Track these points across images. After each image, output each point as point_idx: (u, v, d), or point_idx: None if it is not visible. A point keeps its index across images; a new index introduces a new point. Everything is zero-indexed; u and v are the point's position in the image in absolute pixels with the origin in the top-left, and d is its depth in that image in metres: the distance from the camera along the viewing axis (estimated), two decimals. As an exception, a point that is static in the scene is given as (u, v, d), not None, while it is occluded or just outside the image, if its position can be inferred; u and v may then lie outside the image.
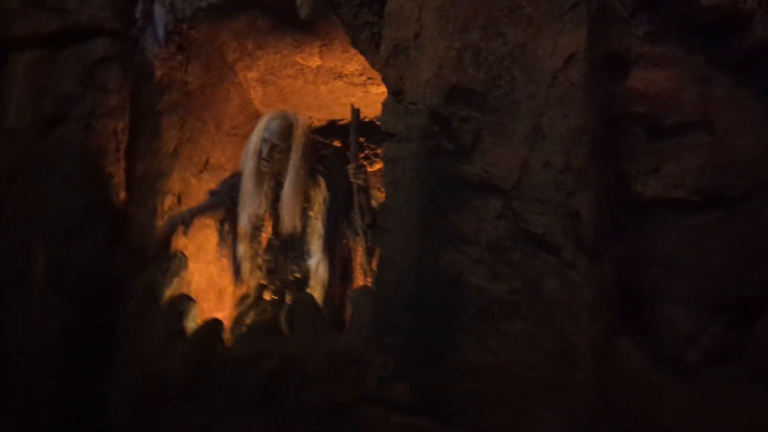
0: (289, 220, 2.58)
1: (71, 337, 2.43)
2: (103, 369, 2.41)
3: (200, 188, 3.02)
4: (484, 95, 1.89)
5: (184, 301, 2.40)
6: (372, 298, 2.01)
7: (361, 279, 2.75)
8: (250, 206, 2.65)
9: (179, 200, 2.88)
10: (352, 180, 2.55)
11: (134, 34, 2.70)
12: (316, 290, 2.56)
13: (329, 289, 2.57)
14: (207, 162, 3.04)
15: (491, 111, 1.87)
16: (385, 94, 3.15)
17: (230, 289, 3.28)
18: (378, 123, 2.38)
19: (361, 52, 2.30)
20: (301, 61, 3.03)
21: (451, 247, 1.86)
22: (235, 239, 2.74)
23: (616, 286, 1.84)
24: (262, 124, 2.68)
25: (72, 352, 2.42)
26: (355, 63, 2.98)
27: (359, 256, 2.66)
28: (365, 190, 2.60)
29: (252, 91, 3.25)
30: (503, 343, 1.74)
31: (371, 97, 3.19)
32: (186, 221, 2.57)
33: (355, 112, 2.57)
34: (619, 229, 1.87)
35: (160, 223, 2.78)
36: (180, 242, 2.89)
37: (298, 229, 2.62)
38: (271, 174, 2.63)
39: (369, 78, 3.03)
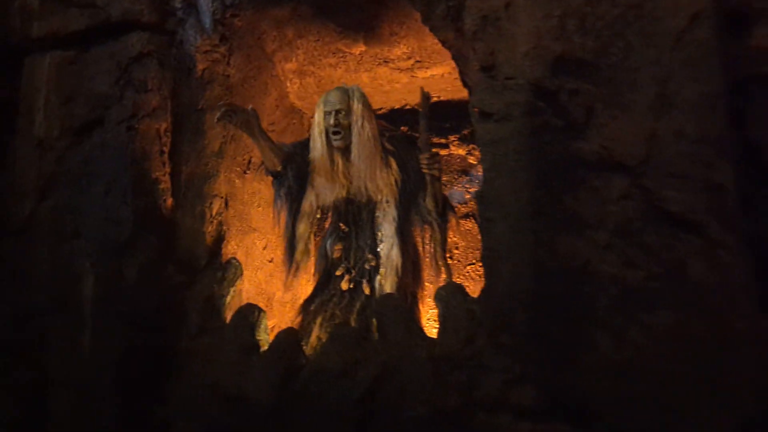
0: (371, 184, 2.41)
1: (128, 362, 2.21)
2: (164, 393, 2.21)
3: (245, 190, 2.82)
4: (594, 65, 1.71)
5: (255, 312, 2.19)
6: (477, 297, 1.83)
7: (428, 273, 2.58)
8: (324, 189, 2.49)
9: (226, 204, 2.68)
10: (425, 170, 2.36)
11: (171, 27, 2.49)
12: (388, 277, 2.39)
13: (402, 277, 2.39)
14: (250, 161, 2.84)
15: (605, 81, 1.70)
16: (434, 77, 3.00)
17: (278, 295, 3.10)
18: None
19: (433, 29, 2.11)
20: (343, 48, 2.84)
21: (570, 234, 1.68)
22: (296, 213, 2.56)
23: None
24: (319, 104, 2.52)
25: (130, 379, 2.20)
26: (402, 46, 2.80)
27: (428, 249, 2.48)
28: (438, 180, 2.42)
29: (288, 84, 3.06)
30: (648, 336, 1.56)
31: (417, 82, 3.00)
32: (231, 116, 2.39)
33: (426, 96, 2.38)
34: (748, 204, 1.70)
35: (210, 229, 2.57)
36: (229, 248, 2.70)
37: (380, 196, 2.44)
38: (344, 149, 2.45)
39: (417, 61, 2.85)
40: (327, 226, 2.68)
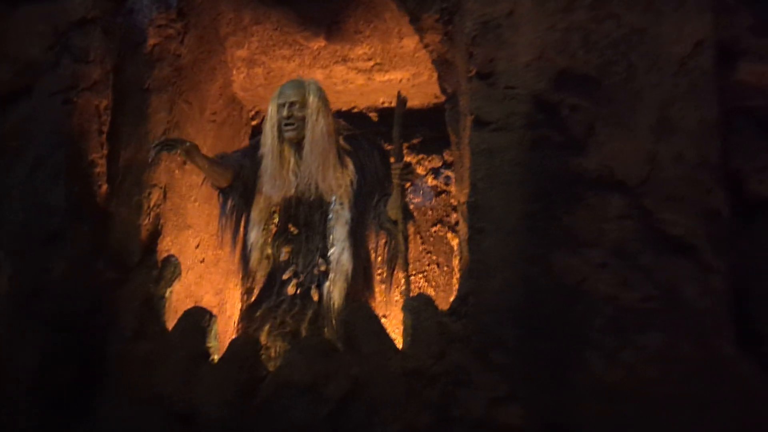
0: (323, 181, 2.27)
1: (49, 369, 1.92)
2: (92, 406, 1.94)
3: (183, 182, 2.58)
4: (597, 82, 1.70)
5: (206, 316, 1.98)
6: (452, 309, 1.76)
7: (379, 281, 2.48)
8: (272, 187, 2.30)
9: (165, 195, 2.43)
10: (396, 181, 2.25)
11: (121, -7, 2.22)
12: (337, 283, 2.27)
13: (352, 283, 2.27)
14: (190, 152, 2.60)
15: (606, 100, 1.69)
16: (391, 82, 2.92)
17: (207, 298, 2.87)
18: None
19: (420, 30, 2.04)
20: (301, 40, 2.69)
21: (566, 250, 1.65)
22: (246, 223, 2.37)
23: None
24: (275, 95, 2.39)
25: (51, 388, 1.91)
26: (365, 46, 2.70)
27: (382, 257, 2.38)
28: (405, 190, 2.32)
29: (235, 72, 2.86)
30: (639, 358, 1.56)
31: (373, 85, 2.91)
32: (171, 146, 2.18)
33: (402, 100, 2.28)
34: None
35: (146, 222, 2.32)
36: (164, 244, 2.45)
37: (333, 197, 2.31)
38: (296, 144, 2.30)
39: (377, 63, 2.76)
40: (275, 227, 2.51)
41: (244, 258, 2.43)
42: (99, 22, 2.15)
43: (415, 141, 3.12)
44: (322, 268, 2.33)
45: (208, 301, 2.89)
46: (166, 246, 2.46)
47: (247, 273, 2.42)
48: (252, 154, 2.43)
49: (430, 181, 3.05)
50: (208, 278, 2.85)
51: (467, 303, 1.85)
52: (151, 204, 2.34)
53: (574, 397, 1.59)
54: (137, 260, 2.28)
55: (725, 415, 1.51)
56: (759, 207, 1.75)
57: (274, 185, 2.40)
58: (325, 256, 2.35)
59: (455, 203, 3.13)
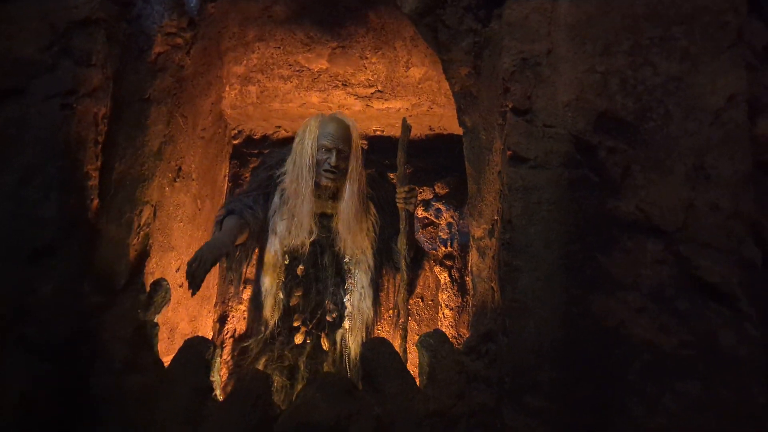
0: (353, 242, 2.13)
1: (33, 401, 1.72)
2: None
3: (172, 200, 2.43)
4: (634, 127, 1.72)
5: (209, 347, 1.83)
6: (502, 349, 1.71)
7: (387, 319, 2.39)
8: (291, 232, 2.13)
9: (155, 213, 2.27)
10: (401, 206, 2.19)
11: (127, -4, 2.08)
12: (356, 332, 2.14)
13: (371, 333, 2.17)
14: (180, 169, 2.46)
15: (643, 144, 1.71)
16: (389, 111, 2.88)
17: (181, 326, 2.70)
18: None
19: (447, 62, 2.00)
20: (302, 61, 2.62)
21: (603, 293, 1.64)
22: (260, 268, 2.20)
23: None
24: (312, 129, 2.19)
25: (35, 422, 1.71)
26: (368, 72, 2.65)
27: (392, 294, 2.30)
28: (413, 216, 2.26)
29: (227, 89, 2.73)
30: (680, 405, 1.55)
31: (370, 112, 2.86)
32: (230, 252, 1.97)
33: (407, 127, 2.23)
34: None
35: (135, 241, 2.15)
36: (151, 266, 2.28)
37: (351, 249, 2.17)
38: (329, 192, 2.17)
39: (378, 91, 2.71)
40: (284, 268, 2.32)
41: (256, 304, 2.24)
42: (103, 25, 2.00)
43: (408, 171, 3.07)
44: (334, 315, 2.19)
45: (182, 328, 2.72)
46: (152, 268, 2.29)
47: (259, 323, 2.22)
48: (265, 191, 2.26)
49: (420, 213, 3.00)
50: (184, 304, 2.68)
51: (494, 341, 1.81)
52: (142, 222, 2.18)
53: (613, 443, 1.56)
54: (124, 283, 2.10)
55: (761, 463, 1.52)
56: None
57: (296, 231, 2.22)
58: (337, 301, 2.21)
59: (444, 236, 3.10)
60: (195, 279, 1.87)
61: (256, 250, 2.31)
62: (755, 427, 1.54)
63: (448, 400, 1.79)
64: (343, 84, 2.69)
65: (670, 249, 1.65)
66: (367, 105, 2.79)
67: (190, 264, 1.91)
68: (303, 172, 2.15)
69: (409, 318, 3.08)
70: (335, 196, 2.20)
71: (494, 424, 1.67)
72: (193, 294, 1.92)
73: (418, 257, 2.27)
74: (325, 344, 2.15)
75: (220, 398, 1.82)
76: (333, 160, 2.15)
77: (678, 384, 1.57)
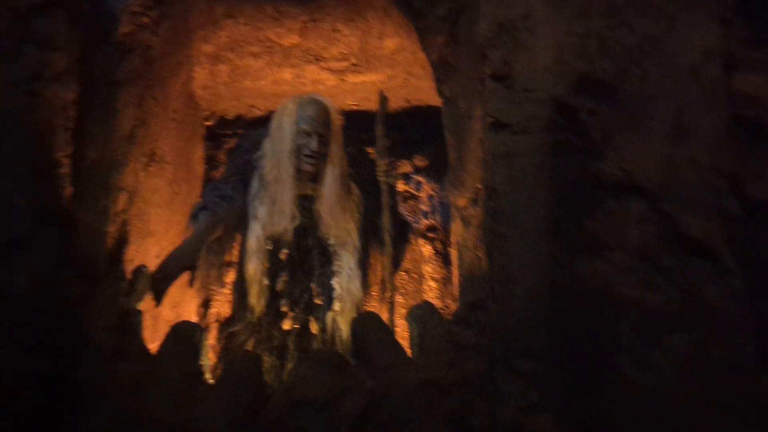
0: (337, 226, 2.11)
1: (18, 393, 1.68)
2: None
3: (147, 185, 2.38)
4: (613, 88, 1.72)
5: (197, 332, 1.81)
6: (492, 318, 1.71)
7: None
8: (274, 218, 2.10)
9: (131, 200, 2.22)
10: (382, 179, 2.17)
11: (87, -26, 2.01)
12: (346, 314, 2.13)
13: (361, 310, 2.16)
14: (154, 153, 2.41)
15: (622, 105, 1.71)
16: (364, 84, 2.85)
17: (165, 313, 2.66)
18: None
19: (422, 30, 1.98)
20: (273, 37, 2.57)
21: (590, 255, 1.65)
22: (242, 256, 2.17)
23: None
24: (290, 112, 2.15)
25: (22, 413, 1.68)
26: (341, 45, 2.61)
27: (379, 270, 2.29)
28: (395, 190, 2.25)
29: (197, 68, 2.67)
30: (669, 360, 1.57)
31: (345, 86, 2.83)
32: (194, 265, 1.95)
33: (384, 99, 2.21)
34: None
35: (112, 229, 2.11)
36: (129, 253, 2.24)
37: (336, 230, 2.15)
38: (310, 177, 2.14)
39: (353, 64, 2.68)
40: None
41: (240, 290, 2.20)
42: (64, 5, 1.92)
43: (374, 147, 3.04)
44: (322, 298, 2.17)
45: (165, 315, 2.68)
46: (131, 255, 2.25)
47: (244, 309, 2.19)
48: (242, 176, 2.21)
49: (401, 186, 2.99)
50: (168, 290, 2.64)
51: (482, 309, 1.81)
52: (118, 209, 2.13)
53: (606, 402, 1.58)
54: (104, 271, 2.06)
55: (749, 409, 1.56)
56: (756, 210, 1.83)
57: (278, 217, 2.19)
58: (324, 284, 2.18)
59: (426, 209, 3.10)
60: (158, 293, 1.87)
61: (238, 237, 2.27)
62: (743, 376, 1.57)
63: (440, 370, 1.80)
64: (315, 58, 2.65)
65: (653, 207, 1.66)
66: (341, 79, 2.75)
67: (154, 275, 1.91)
68: (283, 159, 2.11)
69: (395, 292, 3.10)
70: (315, 178, 2.17)
71: (487, 389, 1.68)
72: (157, 305, 1.92)
73: (403, 231, 2.26)
74: (314, 328, 2.14)
75: (211, 382, 1.80)
76: (314, 145, 2.12)
77: (666, 340, 1.59)
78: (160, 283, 1.93)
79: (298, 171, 2.15)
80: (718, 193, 1.66)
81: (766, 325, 1.74)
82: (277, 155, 2.13)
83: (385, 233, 2.19)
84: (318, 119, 2.15)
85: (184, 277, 2.65)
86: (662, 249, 1.64)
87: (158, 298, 1.90)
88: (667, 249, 1.64)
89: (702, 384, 1.56)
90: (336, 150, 2.14)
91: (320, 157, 2.14)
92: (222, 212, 2.16)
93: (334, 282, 2.17)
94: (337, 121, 2.17)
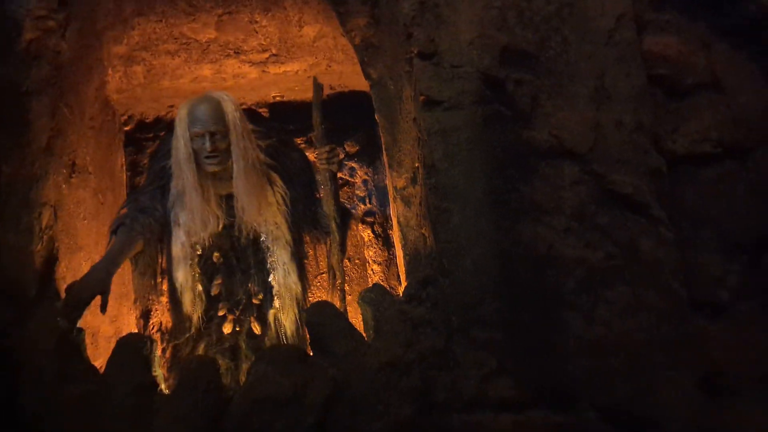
0: (266, 222, 2.07)
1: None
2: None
3: (71, 198, 2.27)
4: (536, 56, 1.77)
5: (146, 342, 1.75)
6: (442, 293, 1.73)
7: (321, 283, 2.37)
8: (195, 223, 2.04)
9: (55, 215, 2.11)
10: (323, 167, 2.15)
11: (-16, -21, 1.87)
12: (287, 310, 2.11)
13: (304, 307, 2.14)
14: (74, 164, 2.29)
15: (546, 73, 1.77)
16: (286, 74, 2.80)
17: (103, 329, 2.56)
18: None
19: (343, 14, 1.97)
20: (189, 33, 2.49)
21: (530, 220, 1.71)
22: (170, 264, 2.09)
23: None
24: (182, 117, 2.09)
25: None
26: (260, 37, 2.56)
27: (321, 260, 2.27)
28: (336, 176, 2.23)
29: (110, 72, 2.55)
30: (613, 312, 1.66)
31: (267, 78, 2.77)
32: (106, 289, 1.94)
33: (318, 86, 2.19)
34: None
35: (39, 247, 2.00)
36: (60, 270, 2.13)
37: (265, 226, 2.12)
38: (220, 175, 2.08)
39: (273, 55, 2.63)
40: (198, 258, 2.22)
41: (174, 300, 2.14)
42: (-40, 14, 1.79)
43: (312, 135, 3.02)
44: (260, 297, 2.14)
45: (105, 331, 2.57)
46: (62, 273, 2.13)
47: (181, 317, 2.13)
48: (160, 183, 2.15)
49: (334, 174, 2.97)
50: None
51: (433, 285, 1.84)
52: (43, 226, 2.02)
53: (560, 358, 1.65)
54: (35, 293, 1.95)
55: (690, 353, 1.66)
56: (676, 163, 1.94)
57: (199, 222, 2.13)
58: (262, 282, 2.16)
59: (362, 194, 3.10)
60: (70, 322, 1.82)
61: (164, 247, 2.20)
62: (680, 319, 1.67)
63: (398, 350, 1.81)
64: (235, 52, 2.58)
65: (585, 169, 1.73)
66: (263, 71, 2.70)
67: (64, 306, 1.87)
68: (183, 167, 2.07)
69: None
70: (231, 175, 2.13)
71: (446, 363, 1.71)
72: (71, 335, 1.86)
73: (345, 218, 2.26)
74: (256, 328, 2.11)
75: (167, 393, 1.75)
76: (208, 145, 2.06)
77: (609, 293, 1.67)
78: (71, 312, 1.85)
79: (207, 173, 2.10)
80: (643, 151, 1.74)
81: (693, 270, 1.87)
82: (177, 164, 2.10)
83: (331, 221, 2.18)
84: (208, 118, 2.08)
85: (120, 287, 2.55)
86: (597, 208, 1.72)
87: (71, 328, 1.82)
88: (602, 208, 1.72)
89: (643, 331, 1.66)
90: (238, 143, 2.08)
91: (222, 155, 2.09)
92: (139, 227, 2.10)
93: (271, 279, 2.15)
94: (234, 112, 2.11)
